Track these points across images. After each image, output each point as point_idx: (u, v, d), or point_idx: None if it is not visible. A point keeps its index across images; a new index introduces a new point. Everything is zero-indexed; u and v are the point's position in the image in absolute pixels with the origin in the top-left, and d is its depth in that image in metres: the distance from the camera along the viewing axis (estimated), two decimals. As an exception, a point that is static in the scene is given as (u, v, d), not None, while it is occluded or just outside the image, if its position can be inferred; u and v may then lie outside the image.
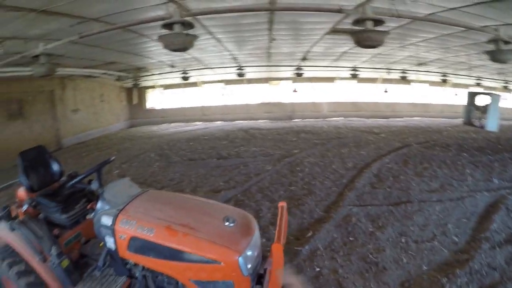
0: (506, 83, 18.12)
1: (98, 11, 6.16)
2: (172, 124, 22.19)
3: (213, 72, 18.49)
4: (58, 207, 3.77)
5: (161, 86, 22.90)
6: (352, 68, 16.60)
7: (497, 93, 14.11)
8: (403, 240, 5.19)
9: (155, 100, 24.06)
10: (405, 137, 14.42)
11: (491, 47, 6.40)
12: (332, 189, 7.74)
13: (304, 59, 14.77)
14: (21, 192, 4.04)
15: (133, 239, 2.85)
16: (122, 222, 2.92)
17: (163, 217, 2.93)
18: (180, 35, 5.04)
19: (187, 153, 12.13)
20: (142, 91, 22.65)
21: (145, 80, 18.98)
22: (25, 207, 3.73)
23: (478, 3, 5.84)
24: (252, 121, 21.85)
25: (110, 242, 2.99)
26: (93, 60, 12.30)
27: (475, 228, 5.68)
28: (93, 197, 4.29)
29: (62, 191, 4.09)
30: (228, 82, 22.28)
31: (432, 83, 21.94)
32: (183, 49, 5.18)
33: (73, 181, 3.30)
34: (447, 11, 6.34)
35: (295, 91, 21.57)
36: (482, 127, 12.50)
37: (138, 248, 2.84)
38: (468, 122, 13.39)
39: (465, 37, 9.23)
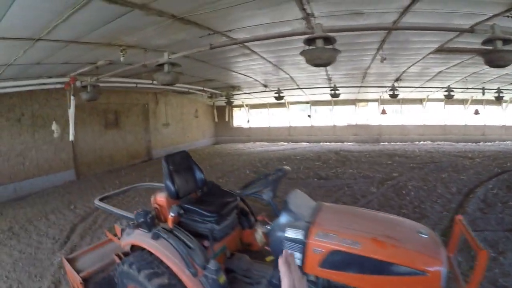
0: None
1: (227, 23, 6.57)
2: (257, 143, 22.81)
3: (303, 92, 18.84)
4: (212, 217, 3.74)
5: (248, 105, 23.65)
6: (446, 89, 16.24)
7: None
8: (507, 270, 5.11)
9: (241, 118, 24.83)
10: (502, 163, 13.71)
11: None
12: (443, 214, 7.67)
13: (398, 79, 14.80)
14: (162, 198, 4.02)
15: (332, 253, 2.59)
16: (318, 235, 2.67)
17: (361, 229, 2.73)
18: (327, 50, 5.12)
19: None
20: (229, 109, 23.14)
21: (235, 99, 19.68)
22: (172, 214, 3.64)
23: None
24: (338, 143, 21.94)
25: (295, 258, 2.66)
26: (193, 76, 13.02)
27: None
28: (249, 210, 4.43)
29: (208, 200, 4.12)
30: (314, 103, 22.68)
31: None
32: (327, 64, 5.31)
33: (250, 192, 3.19)
34: None
35: (384, 112, 21.30)
36: None
37: (336, 263, 2.59)
38: None
39: None
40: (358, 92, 19.42)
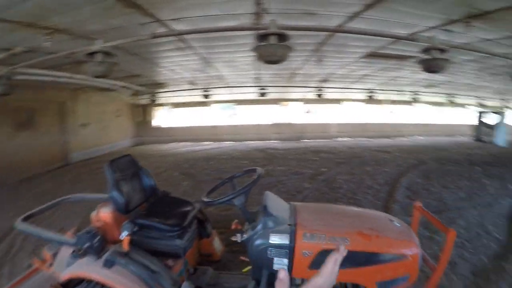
0: (504, 101, 19.56)
1: (172, 11, 5.92)
2: (181, 143, 22.18)
3: (230, 91, 18.76)
4: (174, 231, 3.37)
5: (170, 104, 22.89)
6: (369, 90, 17.61)
7: (504, 111, 15.50)
8: (457, 240, 5.80)
9: (163, 118, 23.93)
10: (417, 155, 15.36)
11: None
12: (377, 203, 8.34)
13: (324, 80, 15.63)
14: (107, 213, 3.39)
15: (322, 253, 2.55)
16: (305, 237, 2.62)
17: (344, 225, 2.79)
18: (281, 47, 5.11)
19: (212, 172, 12.00)
20: (150, 108, 22.55)
21: (159, 97, 18.94)
22: (126, 233, 3.11)
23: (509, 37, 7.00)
24: (262, 141, 22.29)
25: (280, 264, 2.62)
26: (120, 70, 11.25)
27: (509, 227, 6.64)
28: (204, 218, 4.09)
29: (162, 211, 3.68)
30: (239, 102, 22.82)
31: (434, 104, 23.38)
32: (280, 61, 5.31)
33: (223, 199, 2.92)
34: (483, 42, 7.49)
35: (308, 112, 22.43)
36: (491, 142, 13.59)
37: None
38: (478, 139, 14.50)
39: (482, 62, 10.41)
40: (283, 92, 20.05)
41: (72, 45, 6.61)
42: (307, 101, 22.38)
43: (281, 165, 13.17)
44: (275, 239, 2.62)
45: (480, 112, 15.14)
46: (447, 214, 7.34)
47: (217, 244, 4.07)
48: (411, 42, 6.17)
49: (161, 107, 23.27)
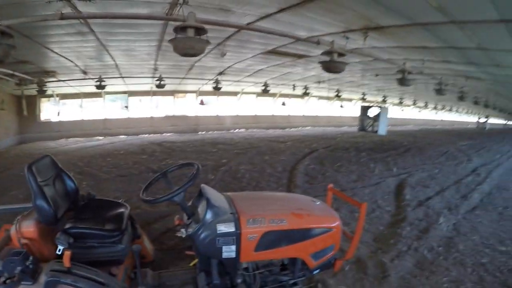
0: (384, 97, 22.25)
1: None
2: (71, 140, 20.17)
3: (123, 81, 17.91)
4: (114, 237, 3.14)
5: (59, 95, 20.36)
6: (263, 84, 18.52)
7: (385, 105, 17.78)
8: (356, 215, 6.59)
9: (51, 111, 21.35)
10: (309, 144, 16.80)
11: (399, 75, 8.75)
12: (280, 189, 8.96)
13: (221, 73, 16.05)
14: (31, 227, 2.93)
15: (265, 235, 2.86)
16: (249, 222, 2.85)
17: (278, 208, 3.15)
18: (200, 41, 5.10)
19: (111, 169, 11.21)
20: (37, 100, 19.79)
21: (47, 88, 16.44)
22: (63, 246, 2.81)
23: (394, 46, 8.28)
24: (157, 134, 21.92)
25: (229, 251, 2.82)
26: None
27: (396, 200, 8.02)
28: (132, 218, 3.77)
29: (94, 216, 3.37)
30: (132, 93, 21.96)
31: (323, 98, 25.49)
32: (198, 54, 5.29)
33: (166, 197, 2.83)
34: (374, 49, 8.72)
35: (202, 103, 22.68)
36: (374, 132, 15.59)
37: (270, 243, 2.89)
38: (362, 129, 16.40)
39: (367, 64, 11.85)
40: (179, 84, 19.86)
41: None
42: (203, 93, 22.70)
43: (181, 158, 12.96)
44: (222, 228, 2.77)
45: (364, 105, 17.19)
46: (344, 194, 8.34)
47: (147, 244, 3.92)
48: (309, 43, 6.82)
49: (49, 99, 20.65)
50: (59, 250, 2.78)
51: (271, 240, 2.88)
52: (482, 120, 46.98)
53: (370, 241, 5.67)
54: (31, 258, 2.57)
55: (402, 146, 16.97)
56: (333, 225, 3.14)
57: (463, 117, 55.75)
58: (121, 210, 3.54)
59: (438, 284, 4.43)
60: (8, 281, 2.48)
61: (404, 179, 9.96)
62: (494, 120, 60.40)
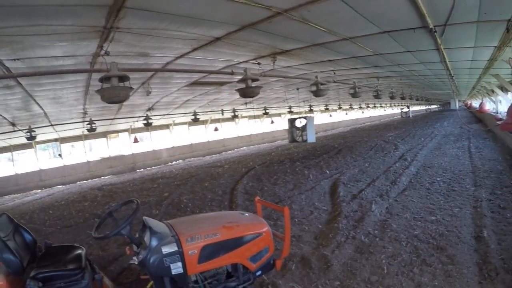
0: (310, 107, 23.58)
1: (14, 50, 5.73)
2: (7, 197, 18.98)
3: (53, 129, 17.47)
4: (77, 274, 3.45)
5: None
6: (192, 113, 18.94)
7: (310, 115, 18.94)
8: (296, 220, 7.44)
9: None
10: (246, 163, 17.54)
11: (313, 87, 9.63)
12: (222, 211, 9.13)
13: (150, 109, 16.28)
14: (2, 280, 3.13)
15: (204, 249, 3.39)
16: (188, 241, 3.36)
17: (210, 224, 3.73)
18: (124, 88, 5.43)
19: (55, 221, 10.97)
20: None
21: None
22: None
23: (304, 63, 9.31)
24: (96, 179, 21.50)
25: (177, 268, 3.28)
26: None
27: (331, 199, 8.84)
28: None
29: (55, 260, 3.69)
30: (64, 139, 21.36)
31: (252, 117, 26.44)
32: (123, 101, 5.60)
33: (114, 232, 3.32)
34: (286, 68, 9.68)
35: (136, 140, 22.48)
36: (304, 141, 16.57)
37: (209, 254, 3.42)
38: (293, 140, 17.35)
39: (286, 81, 12.86)
40: (110, 124, 19.71)
41: None
42: (135, 130, 22.66)
43: (124, 199, 12.46)
44: (166, 249, 3.27)
45: (291, 118, 18.17)
46: (282, 203, 8.98)
47: (107, 281, 4.09)
48: (228, 74, 7.47)
49: None
50: None
51: (209, 252, 3.42)
52: (405, 110, 51.35)
53: (311, 240, 6.31)
54: None
55: (333, 149, 18.37)
56: (262, 230, 3.80)
57: (389, 110, 60.31)
58: (79, 251, 3.90)
59: (378, 262, 5.10)
60: None
61: (337, 178, 10.93)
62: (417, 108, 65.91)
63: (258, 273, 3.85)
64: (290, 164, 15.05)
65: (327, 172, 12.29)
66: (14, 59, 6.16)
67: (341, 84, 13.06)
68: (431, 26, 5.77)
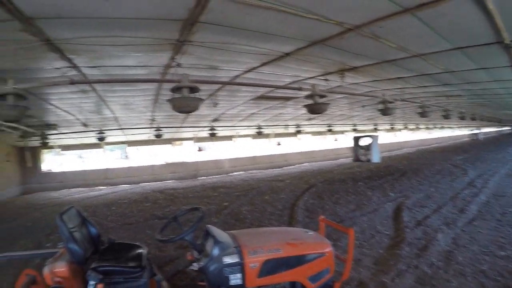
0: (375, 125, 22.96)
1: (92, 59, 6.14)
2: (73, 190, 20.58)
3: (122, 132, 18.40)
4: (136, 272, 3.61)
5: (61, 146, 20.99)
6: (257, 126, 19.15)
7: (375, 134, 18.45)
8: (356, 242, 7.07)
9: (52, 162, 22.28)
10: (307, 180, 17.29)
11: (380, 106, 9.36)
12: (281, 226, 9.14)
13: (215, 120, 16.63)
14: (62, 268, 3.36)
15: (265, 263, 3.39)
16: (250, 253, 3.38)
17: (274, 239, 3.72)
18: (194, 99, 5.64)
19: (117, 218, 11.63)
20: (39, 151, 20.72)
21: (49, 140, 16.75)
22: (94, 282, 3.22)
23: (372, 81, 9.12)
24: (158, 182, 22.16)
25: (236, 279, 3.32)
26: None
27: (394, 224, 8.41)
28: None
29: (117, 256, 3.86)
30: (131, 143, 22.47)
31: (316, 133, 26.22)
32: (192, 111, 5.78)
33: (178, 237, 3.47)
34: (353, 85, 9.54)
35: (200, 150, 23.28)
36: (368, 160, 16.12)
37: (270, 269, 3.41)
38: (357, 159, 16.95)
39: (352, 98, 12.61)
40: (176, 132, 20.32)
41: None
42: (199, 139, 23.23)
43: (184, 204, 13.28)
44: (227, 260, 3.32)
45: (356, 136, 17.80)
46: (343, 224, 8.69)
47: (164, 282, 4.22)
48: (295, 89, 7.48)
49: (50, 150, 21.52)
50: (90, 286, 3.23)
51: (271, 267, 3.42)
52: (475, 131, 48.13)
53: (371, 265, 6.03)
54: None
55: (398, 171, 17.60)
56: (326, 250, 3.71)
57: (457, 132, 56.96)
58: (140, 250, 4.07)
59: (440, 296, 4.74)
60: None
61: (401, 202, 10.44)
62: (487, 129, 61.72)
63: None
64: (352, 184, 14.66)
65: (391, 194, 11.79)
66: (91, 67, 6.61)
67: (408, 102, 12.60)
68: (506, 41, 5.42)
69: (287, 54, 6.41)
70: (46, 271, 3.36)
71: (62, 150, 21.63)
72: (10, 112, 4.99)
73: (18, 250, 7.97)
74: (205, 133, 20.01)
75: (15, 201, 17.18)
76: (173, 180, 22.66)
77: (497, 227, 7.61)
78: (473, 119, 20.22)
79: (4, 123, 11.37)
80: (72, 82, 5.49)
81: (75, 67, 6.49)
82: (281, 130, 23.22)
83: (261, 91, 10.40)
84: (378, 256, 6.47)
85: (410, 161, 21.97)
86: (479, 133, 48.83)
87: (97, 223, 9.44)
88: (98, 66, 6.63)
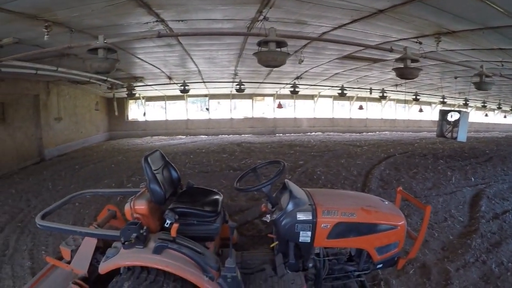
0: (466, 101, 21.16)
1: (177, 12, 6.27)
2: (155, 137, 21.98)
3: (205, 86, 19.05)
4: (210, 216, 3.73)
5: (144, 97, 22.53)
6: (340, 88, 18.61)
7: (465, 110, 17.01)
8: (429, 223, 6.77)
9: (136, 111, 23.67)
10: (386, 149, 16.54)
11: (476, 79, 8.51)
12: None
13: (298, 77, 16.43)
14: (142, 206, 3.55)
15: (336, 225, 3.30)
16: (324, 213, 3.30)
17: (350, 203, 3.57)
18: (281, 53, 5.59)
19: (194, 165, 12.02)
20: (124, 101, 22.13)
21: (135, 91, 17.91)
22: (169, 222, 3.35)
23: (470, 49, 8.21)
24: (236, 135, 22.64)
25: (305, 236, 3.30)
26: None
27: (470, 211, 7.71)
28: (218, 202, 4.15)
29: (194, 199, 3.98)
30: (213, 96, 23.12)
31: (399, 101, 24.90)
32: (279, 65, 5.83)
33: (256, 187, 3.50)
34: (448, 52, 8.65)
35: (280, 106, 23.06)
36: (454, 138, 14.98)
37: (340, 232, 3.32)
38: (441, 135, 15.81)
39: (445, 66, 11.57)
40: (258, 87, 20.59)
41: (65, 38, 6.43)
42: (280, 96, 23.21)
43: (260, 158, 13.45)
44: (301, 216, 3.29)
45: (443, 110, 16.48)
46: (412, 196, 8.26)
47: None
48: (386, 50, 6.97)
49: (136, 101, 23.05)
50: (166, 224, 3.42)
51: (341, 230, 3.32)
52: None
53: (438, 249, 5.70)
54: (145, 228, 3.26)
55: (483, 154, 15.91)
56: (398, 223, 3.47)
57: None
58: (216, 196, 4.19)
59: (502, 299, 4.38)
60: (126, 243, 3.13)
61: (481, 189, 9.41)
62: None
63: (379, 265, 3.65)
64: (433, 160, 13.67)
65: (472, 179, 10.74)
66: (178, 20, 6.74)
67: (507, 79, 11.34)
68: None
69: (381, 11, 5.94)
70: (127, 207, 3.58)
71: (147, 101, 23.18)
72: (102, 64, 5.47)
73: (102, 188, 8.78)
74: (286, 91, 19.86)
75: (102, 145, 18.82)
76: (251, 135, 23.03)
77: None
78: None
79: (95, 75, 12.68)
80: (159, 36, 5.74)
81: (162, 21, 6.69)
82: (364, 94, 22.41)
83: (348, 50, 9.96)
84: (447, 242, 6.06)
85: (499, 146, 19.70)
86: None
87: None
88: (185, 20, 6.73)
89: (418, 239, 3.58)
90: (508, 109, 29.06)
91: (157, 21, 6.62)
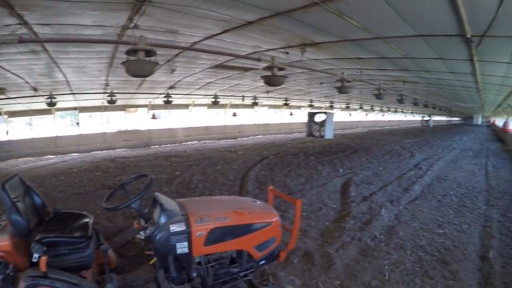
0: (331, 103, 23.42)
1: (44, 16, 5.85)
2: (21, 160, 19.28)
3: (74, 98, 17.67)
4: (82, 243, 3.48)
5: (7, 113, 19.48)
6: (213, 96, 18.98)
7: (330, 111, 18.86)
8: (304, 214, 7.31)
9: None
10: (260, 152, 17.47)
11: (338, 83, 9.55)
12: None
13: (171, 87, 16.37)
14: (4, 241, 3.18)
15: (212, 231, 3.34)
16: (197, 221, 3.31)
17: (222, 208, 3.68)
18: (150, 63, 5.50)
19: (66, 188, 11.03)
20: None
21: None
22: (37, 256, 2.92)
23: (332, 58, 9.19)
24: (110, 150, 21.50)
25: (182, 247, 3.24)
26: None
27: (342, 198, 8.77)
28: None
29: (62, 226, 3.70)
30: (83, 109, 21.45)
31: (271, 106, 26.46)
32: (147, 75, 5.66)
33: (124, 205, 3.33)
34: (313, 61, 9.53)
35: (154, 117, 22.62)
36: (322, 136, 16.52)
37: (216, 237, 3.36)
38: (310, 134, 17.29)
39: (311, 74, 12.72)
40: (130, 98, 19.86)
41: None
42: (154, 107, 22.73)
43: (135, 173, 12.34)
44: (174, 228, 3.22)
45: (311, 112, 18.03)
46: (292, 196, 8.86)
47: (110, 252, 4.01)
48: (255, 60, 7.43)
49: None
50: (34, 258, 2.95)
51: (217, 235, 3.38)
52: (426, 118, 50.45)
53: (317, 236, 6.27)
54: (11, 267, 2.90)
55: (349, 148, 18.21)
56: (272, 220, 3.73)
57: (409, 117, 59.48)
58: (86, 220, 3.91)
59: (380, 267, 5.06)
60: None
61: (349, 178, 10.81)
62: (438, 118, 65.01)
63: (262, 262, 3.82)
64: (304, 158, 14.97)
65: (341, 170, 12.20)
66: (43, 24, 6.23)
67: (366, 83, 12.91)
68: (468, 35, 5.64)
69: (250, 23, 6.34)
70: None
71: (9, 116, 19.96)
72: None
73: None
74: (160, 101, 19.52)
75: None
76: (125, 149, 22.06)
77: (437, 207, 8.10)
78: (426, 106, 21.13)
79: None
80: (21, 41, 5.18)
81: (25, 24, 6.09)
82: (237, 101, 23.28)
83: (221, 59, 10.30)
84: (324, 228, 6.72)
85: (362, 140, 22.59)
86: (430, 120, 51.04)
87: (45, 194, 9.12)
88: (51, 24, 6.27)
89: (293, 231, 3.93)
90: (368, 108, 33.31)
91: (20, 23, 6.02)
